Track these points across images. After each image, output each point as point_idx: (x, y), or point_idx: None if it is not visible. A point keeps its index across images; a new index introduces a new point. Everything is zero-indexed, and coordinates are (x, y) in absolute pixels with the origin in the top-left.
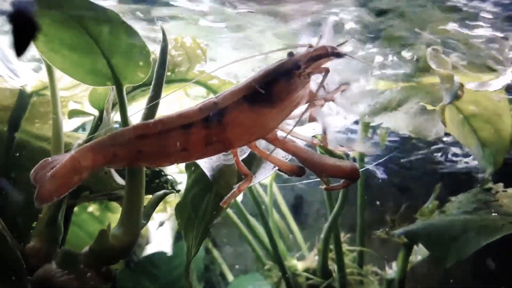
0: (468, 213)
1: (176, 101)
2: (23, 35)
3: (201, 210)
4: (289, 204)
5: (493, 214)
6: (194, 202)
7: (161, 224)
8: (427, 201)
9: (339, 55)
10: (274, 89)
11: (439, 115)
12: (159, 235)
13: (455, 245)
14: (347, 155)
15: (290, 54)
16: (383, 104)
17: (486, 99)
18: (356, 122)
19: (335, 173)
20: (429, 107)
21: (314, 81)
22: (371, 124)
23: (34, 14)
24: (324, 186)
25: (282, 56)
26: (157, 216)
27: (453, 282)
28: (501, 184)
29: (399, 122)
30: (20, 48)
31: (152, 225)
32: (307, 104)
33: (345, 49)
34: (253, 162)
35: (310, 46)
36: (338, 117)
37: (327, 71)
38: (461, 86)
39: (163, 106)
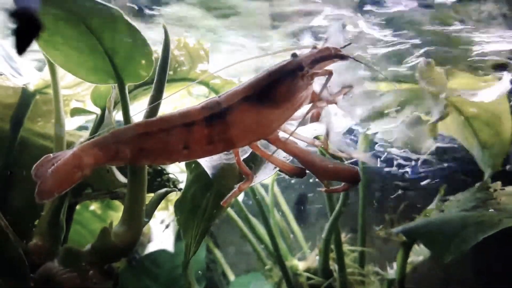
0: (466, 211)
1: (177, 100)
2: (25, 33)
3: (201, 208)
4: (290, 203)
5: (490, 211)
6: (194, 200)
7: (167, 226)
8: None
9: (343, 57)
10: (277, 89)
11: (429, 131)
12: (161, 233)
13: (454, 241)
14: (355, 162)
15: (294, 55)
16: (381, 109)
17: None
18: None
19: (335, 176)
20: (424, 117)
21: (318, 82)
22: (367, 133)
23: (38, 12)
24: (324, 189)
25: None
26: (159, 214)
27: (455, 282)
28: (499, 183)
29: (394, 135)
30: (21, 46)
31: (154, 224)
32: (310, 105)
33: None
34: (254, 162)
35: (314, 47)
36: (338, 118)
37: (330, 73)
38: (447, 105)
39: (165, 105)
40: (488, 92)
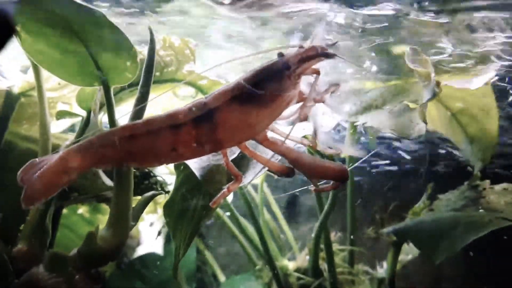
0: (456, 210)
1: (165, 101)
2: None
3: (190, 210)
4: (280, 204)
5: (480, 210)
6: (183, 202)
7: (159, 233)
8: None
9: (329, 55)
10: (264, 89)
11: (419, 113)
12: (150, 236)
13: (444, 242)
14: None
15: (280, 55)
16: (368, 103)
17: (473, 95)
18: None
19: (324, 175)
20: (412, 105)
21: (305, 81)
22: (356, 124)
23: (12, 17)
24: (313, 188)
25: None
26: (147, 217)
27: (446, 280)
28: (487, 181)
29: (382, 121)
30: None
31: (143, 226)
32: (298, 104)
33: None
34: (243, 162)
35: (301, 47)
36: (327, 117)
37: (318, 73)
38: (438, 83)
39: (152, 106)
40: (474, 80)
